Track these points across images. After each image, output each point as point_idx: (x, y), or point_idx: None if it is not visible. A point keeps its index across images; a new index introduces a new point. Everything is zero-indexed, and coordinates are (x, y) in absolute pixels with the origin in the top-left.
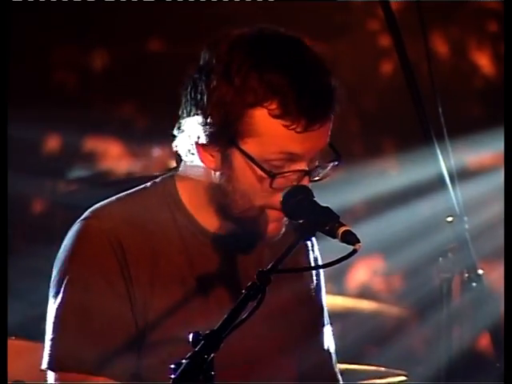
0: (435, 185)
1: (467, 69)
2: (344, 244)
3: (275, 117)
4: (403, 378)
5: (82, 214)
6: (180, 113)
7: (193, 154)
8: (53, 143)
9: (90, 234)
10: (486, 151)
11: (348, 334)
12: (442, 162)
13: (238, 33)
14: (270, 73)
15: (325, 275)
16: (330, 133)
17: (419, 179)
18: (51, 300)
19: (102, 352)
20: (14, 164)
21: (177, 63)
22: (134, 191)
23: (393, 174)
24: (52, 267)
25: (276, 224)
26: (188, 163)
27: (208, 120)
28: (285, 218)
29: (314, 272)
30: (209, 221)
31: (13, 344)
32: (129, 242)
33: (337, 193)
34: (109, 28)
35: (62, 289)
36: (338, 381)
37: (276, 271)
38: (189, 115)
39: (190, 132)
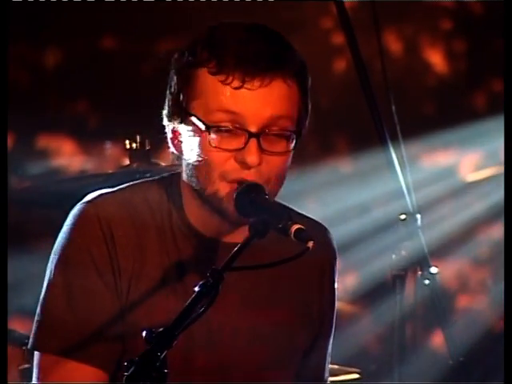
0: (388, 182)
1: (420, 66)
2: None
3: (212, 74)
4: (356, 376)
5: (35, 211)
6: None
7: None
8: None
9: (86, 221)
10: (438, 149)
11: None
12: (395, 159)
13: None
14: (218, 43)
15: None
16: (287, 103)
17: (372, 177)
18: (46, 277)
19: (86, 337)
20: None
21: (130, 61)
22: (140, 182)
23: (346, 172)
24: (6, 264)
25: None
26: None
27: (168, 96)
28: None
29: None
30: (202, 224)
31: None
32: (120, 234)
33: (288, 190)
34: (61, 25)
35: (53, 270)
36: None
37: (229, 269)
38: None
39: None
